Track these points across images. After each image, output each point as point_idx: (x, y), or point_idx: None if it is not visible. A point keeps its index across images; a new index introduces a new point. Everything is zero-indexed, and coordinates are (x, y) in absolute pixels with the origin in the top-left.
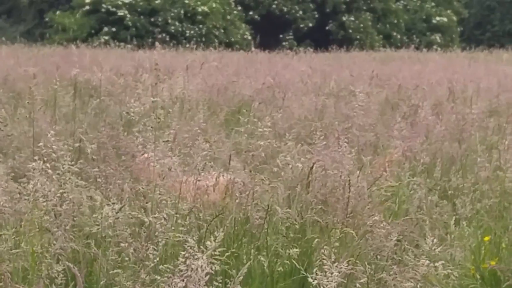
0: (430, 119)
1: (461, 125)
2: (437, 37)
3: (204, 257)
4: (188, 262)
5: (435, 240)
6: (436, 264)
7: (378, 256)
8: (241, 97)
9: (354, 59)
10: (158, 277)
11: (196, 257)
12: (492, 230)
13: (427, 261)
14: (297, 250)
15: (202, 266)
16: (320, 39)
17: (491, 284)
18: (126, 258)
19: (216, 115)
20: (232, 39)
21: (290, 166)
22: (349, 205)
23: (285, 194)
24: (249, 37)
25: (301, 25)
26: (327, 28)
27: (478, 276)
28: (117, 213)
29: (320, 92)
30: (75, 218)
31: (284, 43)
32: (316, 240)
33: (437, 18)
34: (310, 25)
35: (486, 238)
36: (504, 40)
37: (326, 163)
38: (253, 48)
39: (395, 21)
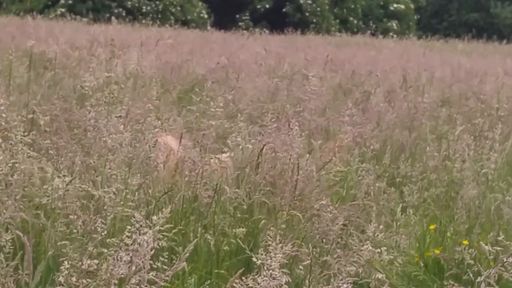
0: (381, 106)
1: (412, 114)
2: (394, 24)
3: (151, 232)
4: (134, 236)
5: (380, 226)
6: (380, 250)
7: (324, 240)
8: (195, 76)
9: (309, 43)
10: (105, 250)
11: (143, 232)
12: (438, 219)
13: (371, 247)
14: (244, 230)
15: (148, 241)
16: (276, 21)
17: (434, 272)
18: (75, 230)
19: (169, 93)
20: (189, 17)
21: (241, 146)
22: (297, 188)
23: (234, 175)
24: (205, 16)
25: (258, 6)
26: (283, 10)
27: (422, 264)
28: (67, 185)
29: (274, 74)
30: (25, 189)
31: (240, 24)
32: (263, 221)
33: (395, 5)
34: (267, 6)
35: (432, 227)
36: (460, 30)
37: (277, 145)
38: (209, 27)
39: (352, 6)
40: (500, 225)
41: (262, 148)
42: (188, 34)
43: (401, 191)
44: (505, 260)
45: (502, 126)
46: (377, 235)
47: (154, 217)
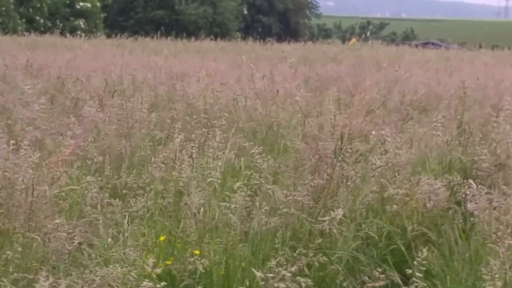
0: (95, 114)
1: (126, 120)
2: (81, 22)
3: None
4: None
5: (109, 240)
6: (114, 265)
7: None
8: None
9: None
10: None
11: None
12: (167, 229)
13: (102, 263)
14: None
15: None
16: None
17: (168, 284)
18: None
19: None
20: None
21: None
22: (31, 208)
23: None
24: None
25: None
26: None
27: (155, 276)
28: None
29: None
30: None
31: None
32: None
33: (81, 4)
34: None
35: (162, 238)
36: (147, 28)
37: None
38: None
39: (38, 5)
40: (228, 232)
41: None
42: None
43: (127, 201)
44: None
45: (221, 133)
46: (107, 250)
47: None
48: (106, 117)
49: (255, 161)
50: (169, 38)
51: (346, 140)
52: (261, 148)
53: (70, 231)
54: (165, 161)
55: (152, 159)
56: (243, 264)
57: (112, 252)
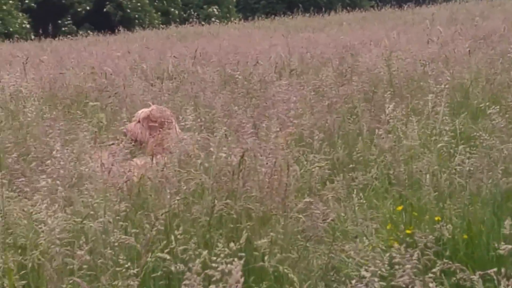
0: (285, 94)
1: (320, 96)
2: (214, 9)
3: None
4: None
5: (342, 214)
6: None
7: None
8: (76, 89)
9: (150, 40)
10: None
11: None
12: (402, 198)
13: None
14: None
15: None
16: (99, 21)
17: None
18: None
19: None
20: (11, 29)
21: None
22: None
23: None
24: (28, 26)
25: (79, 9)
26: (104, 10)
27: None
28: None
29: (161, 76)
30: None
31: (63, 29)
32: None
33: None
34: (88, 8)
35: (399, 208)
36: (278, 7)
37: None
38: (32, 36)
39: None
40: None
41: (243, 155)
42: (22, 47)
43: (355, 177)
44: None
45: (433, 97)
46: (342, 224)
47: None
48: (296, 95)
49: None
50: (306, 15)
51: None
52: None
53: (324, 208)
54: (390, 131)
55: (377, 131)
56: (482, 227)
57: (347, 226)
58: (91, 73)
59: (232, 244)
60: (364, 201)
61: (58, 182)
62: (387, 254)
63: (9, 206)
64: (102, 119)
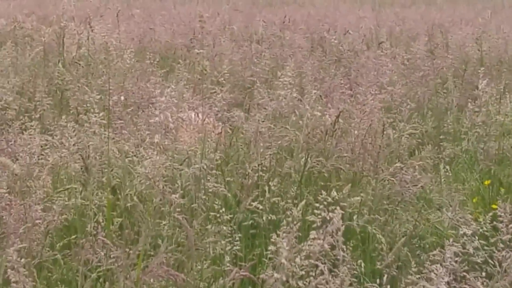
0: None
1: (410, 68)
2: None
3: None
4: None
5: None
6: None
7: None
8: (165, 45)
9: (237, 3)
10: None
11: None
12: (492, 173)
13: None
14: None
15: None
16: None
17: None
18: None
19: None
20: None
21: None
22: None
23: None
24: None
25: None
26: None
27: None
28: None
29: (248, 38)
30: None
31: None
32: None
33: None
34: None
35: (487, 182)
36: None
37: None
38: None
39: None
40: None
41: (338, 115)
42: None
43: (443, 148)
44: None
45: None
46: (427, 194)
47: None
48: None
49: None
50: None
51: None
52: None
53: (415, 174)
54: (482, 106)
55: (469, 104)
56: None
57: (432, 196)
58: (199, 21)
59: (334, 193)
60: (450, 174)
61: (155, 127)
62: (490, 214)
63: (106, 146)
64: (206, 67)
